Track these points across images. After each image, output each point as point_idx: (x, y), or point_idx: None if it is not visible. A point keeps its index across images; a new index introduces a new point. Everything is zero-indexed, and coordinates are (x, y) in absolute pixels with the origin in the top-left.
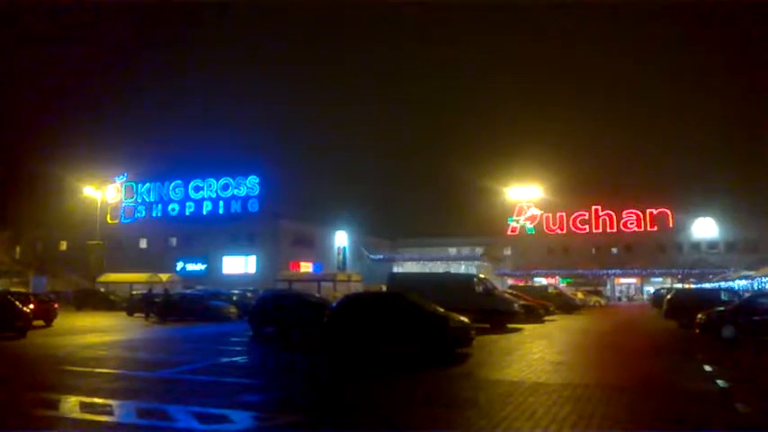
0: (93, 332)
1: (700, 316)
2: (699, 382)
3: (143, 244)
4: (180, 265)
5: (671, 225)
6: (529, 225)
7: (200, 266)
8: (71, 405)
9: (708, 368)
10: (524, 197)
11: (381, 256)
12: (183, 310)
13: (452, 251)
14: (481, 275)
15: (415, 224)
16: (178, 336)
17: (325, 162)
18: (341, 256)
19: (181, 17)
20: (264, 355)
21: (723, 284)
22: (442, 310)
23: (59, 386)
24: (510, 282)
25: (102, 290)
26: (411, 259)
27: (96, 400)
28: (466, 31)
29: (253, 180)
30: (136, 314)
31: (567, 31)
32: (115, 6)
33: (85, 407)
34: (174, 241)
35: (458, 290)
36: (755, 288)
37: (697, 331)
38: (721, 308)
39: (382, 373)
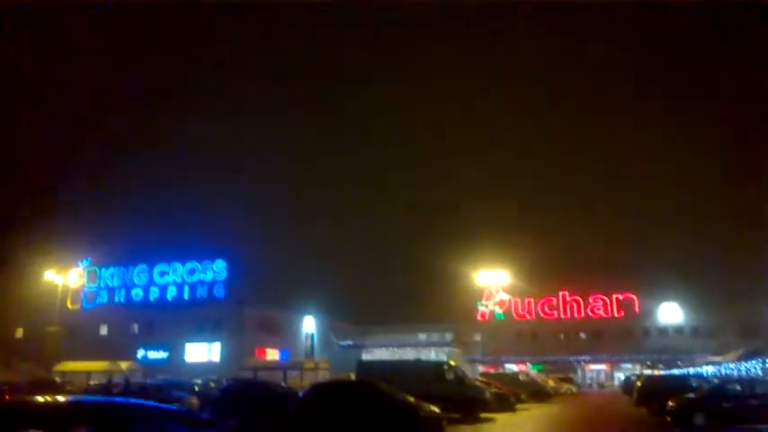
0: None
1: (671, 404)
2: None
3: (103, 330)
4: (141, 353)
5: (637, 310)
6: (498, 310)
7: (162, 354)
8: None
9: None
10: (493, 282)
11: (350, 343)
12: None
13: (422, 337)
14: (451, 362)
15: (384, 309)
16: None
17: (292, 246)
18: (309, 342)
19: (150, 93)
20: None
21: (691, 370)
22: (412, 398)
23: None
24: (481, 368)
25: (58, 379)
26: (380, 345)
27: None
28: (430, 98)
29: (220, 264)
30: None
31: (532, 108)
32: (71, 74)
33: None
34: (135, 327)
35: (428, 377)
36: (722, 373)
37: (668, 419)
38: (691, 395)
39: None
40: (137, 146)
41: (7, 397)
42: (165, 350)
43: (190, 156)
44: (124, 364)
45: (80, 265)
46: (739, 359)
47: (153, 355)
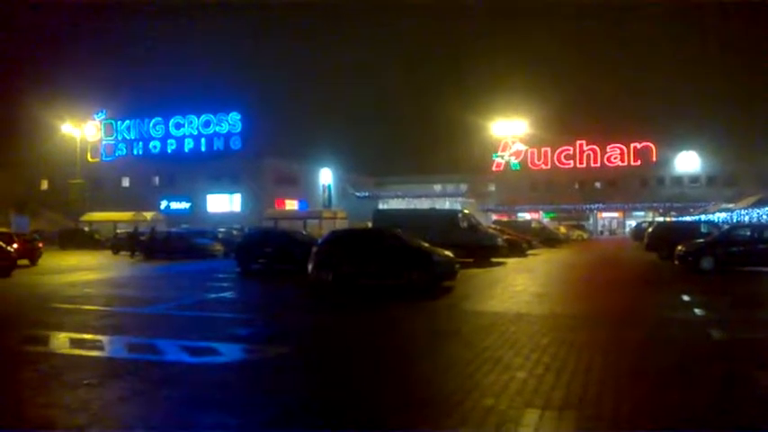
0: (79, 270)
1: (679, 248)
2: (676, 312)
3: (125, 183)
4: (164, 204)
5: (654, 159)
6: (514, 161)
7: (184, 205)
8: (60, 341)
9: (686, 298)
10: (509, 133)
11: (366, 194)
12: (168, 247)
13: (437, 188)
14: (465, 211)
15: (401, 160)
16: (165, 273)
17: (308, 98)
18: (326, 194)
19: None
20: (252, 291)
21: (703, 218)
22: (426, 245)
23: (47, 323)
24: (494, 217)
25: (87, 229)
26: (396, 196)
27: (85, 336)
28: None
29: (234, 117)
30: (121, 252)
31: None
32: None
33: (75, 343)
34: (156, 180)
35: (442, 225)
36: (734, 221)
37: (676, 263)
38: (700, 240)
39: (368, 306)
40: None
41: (40, 245)
42: (186, 201)
43: (206, 6)
44: (148, 215)
45: (95, 117)
46: (752, 206)
47: (175, 205)
